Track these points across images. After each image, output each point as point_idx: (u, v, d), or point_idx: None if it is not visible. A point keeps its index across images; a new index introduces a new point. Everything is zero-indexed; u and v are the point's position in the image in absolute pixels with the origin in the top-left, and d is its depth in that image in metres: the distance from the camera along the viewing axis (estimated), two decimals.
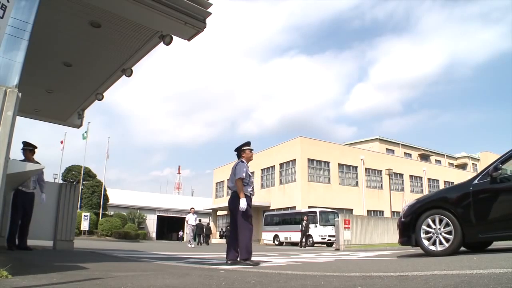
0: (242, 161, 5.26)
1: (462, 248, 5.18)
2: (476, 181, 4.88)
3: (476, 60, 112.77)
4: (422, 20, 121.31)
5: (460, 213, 4.75)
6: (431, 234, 4.95)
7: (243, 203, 4.94)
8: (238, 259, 5.01)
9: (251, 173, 5.41)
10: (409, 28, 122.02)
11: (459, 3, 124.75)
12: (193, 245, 17.86)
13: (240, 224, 5.00)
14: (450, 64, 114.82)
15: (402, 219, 5.46)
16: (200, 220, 22.68)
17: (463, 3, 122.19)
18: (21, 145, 6.33)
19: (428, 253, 4.96)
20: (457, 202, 4.87)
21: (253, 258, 5.03)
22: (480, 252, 5.17)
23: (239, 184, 5.04)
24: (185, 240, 43.49)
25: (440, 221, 4.89)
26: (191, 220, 18.83)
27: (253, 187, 5.30)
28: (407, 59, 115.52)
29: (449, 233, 4.76)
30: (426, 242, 4.98)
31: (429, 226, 4.99)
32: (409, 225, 5.23)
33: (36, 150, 6.41)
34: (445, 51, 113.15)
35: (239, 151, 5.42)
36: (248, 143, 5.45)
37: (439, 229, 4.88)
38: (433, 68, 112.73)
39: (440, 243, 4.85)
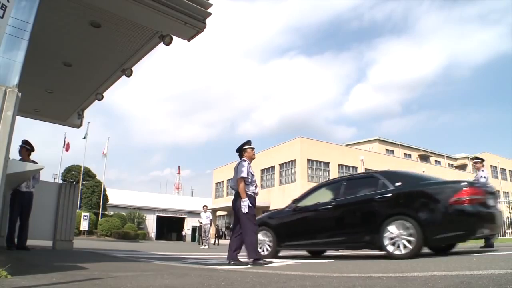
0: (244, 160, 5.18)
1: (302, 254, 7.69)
2: (286, 209, 7.13)
3: (475, 61, 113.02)
4: (420, 21, 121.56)
5: (275, 230, 6.93)
6: (261, 243, 6.89)
7: (244, 204, 4.88)
8: (247, 260, 4.98)
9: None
10: (408, 29, 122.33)
11: (458, 4, 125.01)
12: (206, 247, 16.62)
13: (244, 224, 4.94)
14: (449, 65, 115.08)
15: None
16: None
17: (462, 4, 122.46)
18: (20, 143, 6.25)
19: None
20: (274, 222, 7.10)
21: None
22: (318, 258, 6.92)
23: (241, 184, 4.97)
24: (186, 240, 43.49)
25: (266, 234, 6.98)
26: (204, 219, 17.25)
27: (256, 186, 5.21)
28: (406, 60, 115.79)
29: (271, 243, 6.89)
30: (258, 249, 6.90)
31: (259, 237, 6.82)
32: None
33: (32, 152, 6.34)
34: (444, 52, 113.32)
35: (240, 151, 5.33)
36: (248, 142, 5.36)
37: (265, 240, 6.97)
38: (432, 69, 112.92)
39: (264, 250, 6.94)
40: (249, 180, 5.06)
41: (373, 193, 5.85)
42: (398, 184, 5.75)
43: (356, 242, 6.05)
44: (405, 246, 5.18)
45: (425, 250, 6.51)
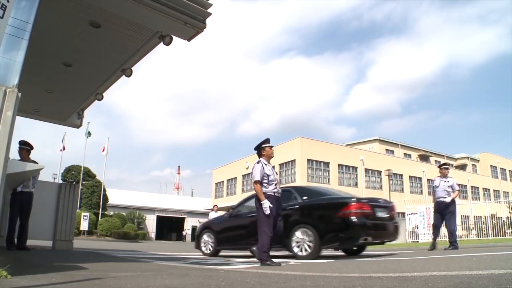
0: (259, 162, 5.15)
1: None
2: (225, 215, 8.64)
3: (474, 62, 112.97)
4: (420, 22, 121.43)
5: (215, 232, 8.18)
6: (205, 243, 8.30)
7: (265, 206, 4.86)
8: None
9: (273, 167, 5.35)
10: (407, 29, 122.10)
11: (457, 4, 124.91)
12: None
13: (259, 226, 4.97)
14: (448, 65, 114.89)
15: (197, 233, 8.98)
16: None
17: (461, 4, 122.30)
18: (19, 144, 6.26)
19: (203, 253, 8.23)
20: (215, 226, 8.42)
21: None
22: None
23: (256, 188, 4.98)
24: (186, 240, 43.42)
25: (209, 236, 8.27)
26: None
27: (276, 184, 5.12)
28: (406, 61, 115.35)
29: (213, 244, 8.12)
30: (203, 248, 8.32)
31: (205, 238, 8.38)
32: (199, 237, 8.58)
33: (32, 151, 6.36)
34: (443, 52, 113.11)
35: (259, 149, 5.30)
36: (267, 140, 5.33)
37: (209, 240, 8.24)
38: (431, 69, 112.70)
39: (208, 249, 8.20)
40: (266, 181, 5.03)
41: (286, 204, 6.72)
42: (304, 197, 6.89)
43: (273, 244, 6.74)
44: (309, 247, 6.20)
45: (340, 253, 7.63)
